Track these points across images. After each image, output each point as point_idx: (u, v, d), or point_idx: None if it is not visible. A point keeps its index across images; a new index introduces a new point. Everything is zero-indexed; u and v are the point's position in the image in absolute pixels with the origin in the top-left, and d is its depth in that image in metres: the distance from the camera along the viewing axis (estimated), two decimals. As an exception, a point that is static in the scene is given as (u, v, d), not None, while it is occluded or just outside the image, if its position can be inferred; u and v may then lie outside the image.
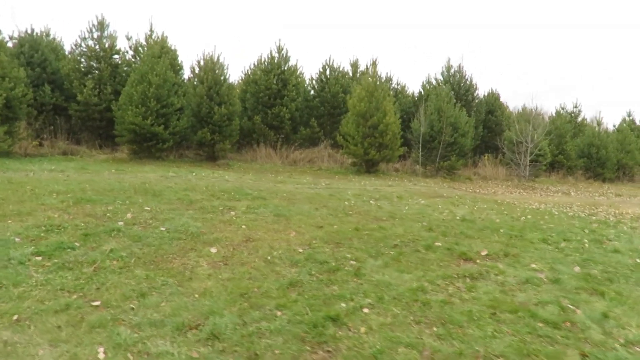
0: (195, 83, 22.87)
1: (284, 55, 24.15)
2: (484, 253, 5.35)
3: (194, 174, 13.98)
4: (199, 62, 21.06)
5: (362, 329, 3.11)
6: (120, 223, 5.88)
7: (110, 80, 21.53)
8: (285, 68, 23.96)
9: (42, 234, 5.21)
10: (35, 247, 4.63)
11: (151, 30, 23.59)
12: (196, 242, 5.18)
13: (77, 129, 21.41)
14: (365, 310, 3.43)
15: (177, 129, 17.83)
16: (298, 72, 24.98)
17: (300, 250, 5.04)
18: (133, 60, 23.10)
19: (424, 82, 26.88)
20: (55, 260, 4.29)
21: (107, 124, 21.13)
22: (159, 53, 19.04)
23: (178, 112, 18.21)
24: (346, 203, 9.39)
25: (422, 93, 26.29)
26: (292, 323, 3.14)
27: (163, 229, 5.70)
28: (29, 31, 22.30)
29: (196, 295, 3.58)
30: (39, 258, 4.35)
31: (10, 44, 20.70)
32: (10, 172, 11.85)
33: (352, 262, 4.72)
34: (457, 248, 5.53)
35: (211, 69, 19.38)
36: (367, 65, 25.29)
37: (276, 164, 20.76)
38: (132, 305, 3.34)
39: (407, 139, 21.35)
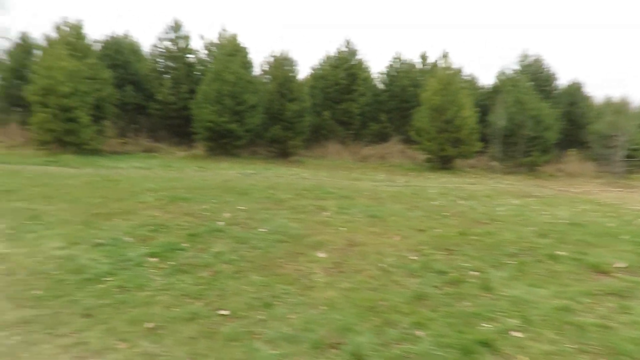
0: (265, 80, 23.17)
1: (352, 50, 23.79)
2: (620, 265, 4.72)
3: (270, 171, 14.06)
4: (269, 58, 21.29)
5: (525, 359, 2.73)
6: (220, 223, 5.85)
7: (186, 79, 22.28)
8: (354, 62, 23.60)
9: (150, 234, 5.26)
10: (148, 248, 4.66)
11: (223, 29, 24.07)
12: (300, 245, 5.00)
13: (157, 127, 22.38)
14: (516, 333, 3.04)
15: (251, 125, 18.08)
16: (366, 66, 24.55)
17: (412, 257, 4.70)
18: (207, 59, 23.75)
19: (499, 73, 25.41)
20: (170, 262, 4.26)
21: (183, 122, 21.89)
22: (232, 51, 19.37)
23: (251, 109, 18.45)
24: (434, 203, 8.92)
25: (498, 84, 24.87)
26: (438, 346, 2.82)
27: (263, 230, 5.59)
28: (113, 35, 23.51)
29: (321, 307, 3.36)
30: (154, 259, 4.35)
31: (96, 47, 21.90)
32: (102, 169, 12.50)
33: (472, 272, 4.32)
34: (585, 258, 4.93)
35: (282, 66, 19.44)
36: (436, 59, 24.31)
37: (346, 161, 20.51)
38: (260, 317, 3.17)
39: (482, 134, 20.28)
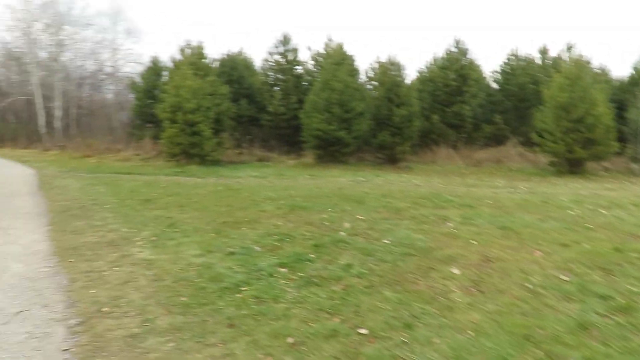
0: (369, 86, 23.04)
1: (463, 49, 22.65)
2: None
3: (380, 178, 13.84)
4: (375, 64, 21.16)
5: None
6: (342, 233, 5.77)
7: (295, 90, 23.04)
8: (464, 63, 22.44)
9: (276, 243, 5.36)
10: (277, 258, 4.72)
11: (329, 39, 24.48)
12: (430, 259, 4.70)
13: (268, 137, 23.47)
14: None
15: (359, 132, 18.05)
16: (477, 66, 23.21)
17: (563, 277, 4.14)
18: (313, 69, 24.36)
19: (637, 62, 22.28)
20: (300, 274, 4.25)
21: (292, 132, 22.65)
22: (338, 60, 19.57)
23: (359, 116, 18.43)
24: (571, 213, 7.93)
25: (635, 75, 21.85)
26: (626, 391, 2.36)
27: (387, 241, 5.38)
28: (229, 53, 25.21)
29: (469, 332, 3.05)
30: (284, 270, 4.38)
31: (215, 65, 23.63)
32: (223, 178, 13.35)
33: (644, 298, 3.65)
34: None
35: (389, 71, 19.15)
36: (559, 52, 22.09)
37: (458, 165, 19.47)
38: (402, 338, 2.97)
39: (619, 133, 17.87)
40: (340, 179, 13.17)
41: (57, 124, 34.29)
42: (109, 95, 40.51)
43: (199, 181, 12.40)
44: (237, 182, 12.00)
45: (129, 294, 3.83)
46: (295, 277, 4.17)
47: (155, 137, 24.87)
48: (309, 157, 20.20)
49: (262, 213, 7.27)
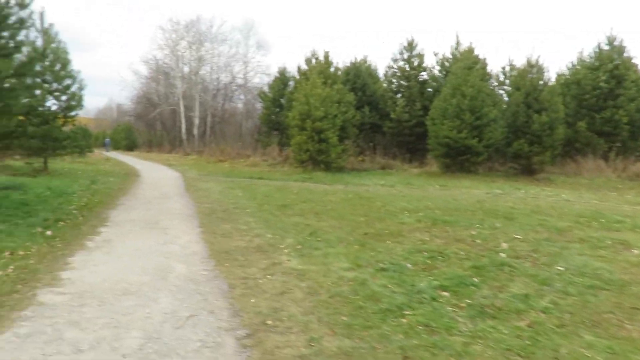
0: (501, 91, 21.36)
1: (617, 47, 19.83)
2: None
3: (521, 190, 12.53)
4: (508, 67, 19.52)
5: None
6: (502, 255, 5.11)
7: (419, 96, 22.32)
8: (619, 62, 19.60)
9: (428, 261, 4.92)
10: (435, 279, 4.27)
11: (457, 43, 23.33)
12: (628, 296, 3.86)
13: (390, 144, 23.06)
14: None
15: (492, 140, 16.73)
16: (635, 66, 20.13)
17: None
18: (439, 75, 23.39)
19: None
20: (467, 301, 3.75)
21: (415, 139, 21.94)
22: (469, 64, 18.41)
23: (492, 123, 17.09)
24: None
25: None
26: None
27: (561, 268, 4.61)
28: (353, 61, 25.37)
29: None
30: (447, 294, 3.92)
31: (340, 74, 23.95)
32: (350, 185, 13.24)
33: None
34: None
35: (528, 73, 17.47)
36: None
37: (610, 179, 16.95)
38: (635, 406, 2.33)
39: None
40: (474, 191, 12.20)
41: (195, 131, 37.91)
42: (239, 105, 43.81)
43: (328, 188, 12.44)
44: (366, 190, 11.78)
45: (288, 306, 3.70)
46: (463, 305, 3.68)
47: (281, 144, 26.09)
48: (433, 165, 19.30)
49: (402, 225, 6.87)
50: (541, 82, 17.14)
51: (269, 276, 4.49)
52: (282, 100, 27.43)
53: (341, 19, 74.27)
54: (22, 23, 8.20)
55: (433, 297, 3.84)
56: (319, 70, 17.86)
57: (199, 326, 3.29)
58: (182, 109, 38.31)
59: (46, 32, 13.76)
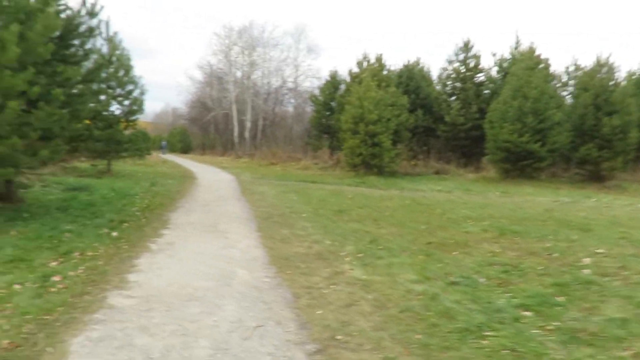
0: (564, 92, 20.17)
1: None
2: None
3: (592, 199, 11.67)
4: (572, 68, 18.37)
5: None
6: (586, 271, 4.66)
7: (475, 99, 21.54)
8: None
9: (502, 276, 4.57)
10: (514, 296, 3.94)
11: (517, 43, 22.35)
12: None
13: (444, 148, 22.38)
14: None
15: (556, 145, 15.77)
16: None
17: None
18: (497, 76, 22.50)
19: None
20: (554, 323, 3.39)
21: (471, 143, 21.17)
22: (532, 65, 17.49)
23: (556, 126, 16.13)
24: None
25: None
26: None
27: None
28: (406, 63, 24.91)
29: None
30: (529, 314, 3.58)
31: (393, 76, 23.54)
32: (406, 191, 12.88)
33: None
34: None
35: (597, 73, 16.35)
36: None
37: (693, 188, 15.53)
38: None
39: None
40: (539, 199, 11.48)
41: (247, 134, 38.64)
42: (289, 108, 44.25)
43: (383, 193, 12.15)
44: (423, 196, 11.38)
45: (356, 320, 3.51)
46: (550, 327, 3.34)
47: (332, 148, 26.00)
48: (490, 170, 18.49)
49: (467, 235, 6.50)
50: (612, 83, 15.98)
51: (333, 286, 4.32)
52: (333, 104, 27.42)
53: (392, 22, 73.47)
54: (91, 31, 8.56)
55: (515, 317, 3.52)
56: (373, 73, 17.58)
57: (266, 338, 3.17)
58: (234, 113, 39.19)
59: (111, 40, 14.39)
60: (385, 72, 19.45)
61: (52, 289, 3.89)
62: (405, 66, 24.68)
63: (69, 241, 5.64)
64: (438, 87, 23.87)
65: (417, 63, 26.02)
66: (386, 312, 3.70)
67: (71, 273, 4.36)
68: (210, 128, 49.30)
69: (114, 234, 6.25)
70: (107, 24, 14.57)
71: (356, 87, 17.19)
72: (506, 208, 9.13)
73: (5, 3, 6.22)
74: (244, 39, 39.89)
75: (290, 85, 42.92)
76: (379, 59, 19.20)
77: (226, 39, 40.12)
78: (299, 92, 42.06)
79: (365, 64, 26.50)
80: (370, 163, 16.20)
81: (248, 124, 38.67)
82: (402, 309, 3.73)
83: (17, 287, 3.87)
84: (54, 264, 4.74)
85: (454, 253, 5.47)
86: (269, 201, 10.04)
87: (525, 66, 17.16)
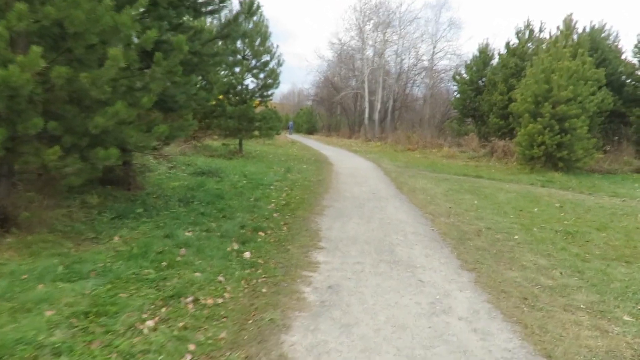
0: None
1: None
2: None
3: None
4: None
5: None
6: None
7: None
8: None
9: None
10: None
11: None
12: None
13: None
14: None
15: None
16: None
17: None
18: None
19: None
20: None
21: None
22: None
23: None
24: None
25: None
26: None
27: None
28: (588, 28, 19.85)
29: None
30: None
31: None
32: (622, 198, 9.07)
33: None
34: None
35: None
36: None
37: None
38: None
39: None
40: None
41: (376, 116, 35.98)
42: (422, 89, 40.37)
43: (593, 200, 8.57)
44: (623, 203, 7.64)
45: None
46: None
47: (480, 134, 22.10)
48: None
49: None
50: None
51: None
52: (481, 82, 23.42)
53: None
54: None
55: None
56: (565, 35, 13.39)
57: None
58: (366, 93, 36.71)
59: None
60: (576, 38, 14.97)
61: None
62: (588, 33, 19.56)
63: (182, 265, 3.63)
64: (635, 61, 18.46)
65: (602, 29, 20.61)
66: None
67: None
68: (336, 109, 47.66)
69: (247, 254, 4.12)
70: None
71: (542, 56, 13.17)
72: None
73: None
74: (379, 13, 36.92)
75: (424, 64, 38.96)
76: (567, 22, 14.74)
77: (361, 13, 37.55)
78: (434, 72, 37.95)
79: (527, 33, 21.91)
80: (556, 156, 12.31)
81: (378, 105, 35.93)
82: None
83: None
84: (148, 324, 2.66)
85: None
86: (441, 205, 7.27)
87: None
